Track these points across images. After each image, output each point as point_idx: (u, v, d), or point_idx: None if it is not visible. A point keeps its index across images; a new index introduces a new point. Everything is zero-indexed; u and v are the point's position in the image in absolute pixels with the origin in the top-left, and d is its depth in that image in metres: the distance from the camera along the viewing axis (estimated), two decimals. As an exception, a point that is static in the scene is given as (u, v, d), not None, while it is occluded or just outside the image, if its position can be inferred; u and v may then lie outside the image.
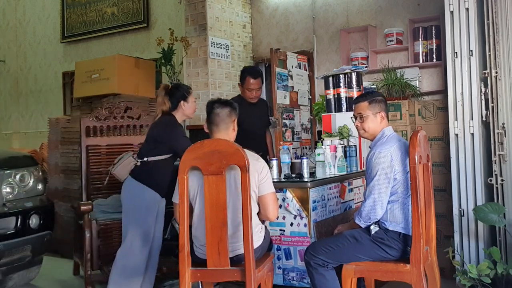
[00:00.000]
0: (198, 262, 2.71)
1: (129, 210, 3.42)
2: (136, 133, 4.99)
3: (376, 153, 2.83)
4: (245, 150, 2.59)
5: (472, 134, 3.71)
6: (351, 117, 3.13)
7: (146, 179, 3.39)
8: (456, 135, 3.78)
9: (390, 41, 5.21)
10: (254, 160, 2.73)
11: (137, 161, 3.45)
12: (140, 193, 3.38)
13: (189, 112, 3.58)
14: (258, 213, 2.87)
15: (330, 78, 4.25)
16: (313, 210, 3.35)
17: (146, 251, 3.40)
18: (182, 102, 3.51)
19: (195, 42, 5.64)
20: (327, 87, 4.27)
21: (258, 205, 2.81)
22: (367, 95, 3.04)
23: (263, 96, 6.23)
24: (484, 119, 3.69)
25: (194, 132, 5.64)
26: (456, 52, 3.77)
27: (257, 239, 2.77)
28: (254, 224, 2.70)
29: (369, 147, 3.02)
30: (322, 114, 4.35)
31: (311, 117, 5.59)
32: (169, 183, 3.43)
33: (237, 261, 2.66)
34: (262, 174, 2.75)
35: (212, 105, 2.85)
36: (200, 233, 2.71)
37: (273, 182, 2.89)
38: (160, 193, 3.45)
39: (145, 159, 3.43)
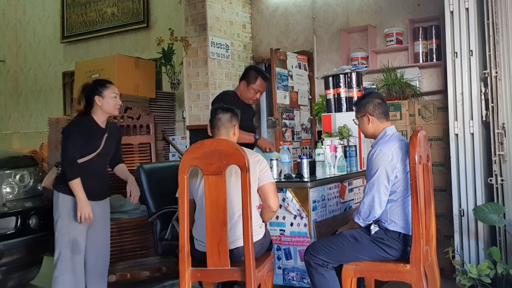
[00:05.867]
0: (198, 259, 2.72)
1: (55, 222, 3.22)
2: (136, 133, 5.00)
3: (377, 151, 2.84)
4: (243, 148, 2.62)
5: (472, 134, 3.71)
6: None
7: (64, 186, 3.15)
8: (456, 135, 3.78)
9: (390, 41, 5.20)
10: (252, 155, 2.83)
11: (58, 170, 3.27)
12: (60, 202, 3.19)
13: (108, 108, 3.26)
14: (260, 209, 2.96)
15: (330, 78, 4.25)
16: (313, 210, 3.35)
17: (78, 259, 3.20)
18: (96, 97, 3.23)
19: (195, 42, 5.64)
20: (327, 87, 4.27)
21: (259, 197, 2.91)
22: (358, 100, 3.15)
23: (263, 96, 6.25)
24: (484, 119, 3.69)
25: (194, 132, 5.64)
26: (456, 52, 3.77)
27: (257, 233, 2.81)
28: (254, 218, 2.73)
29: (371, 146, 3.03)
30: (322, 114, 4.36)
31: (311, 117, 5.59)
32: (99, 184, 3.30)
33: (236, 254, 2.68)
34: (261, 166, 2.87)
35: (215, 111, 3.00)
36: (200, 224, 2.76)
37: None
38: (87, 197, 3.18)
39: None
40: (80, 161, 3.16)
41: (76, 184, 3.11)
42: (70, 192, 3.15)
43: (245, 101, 4.12)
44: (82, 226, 3.19)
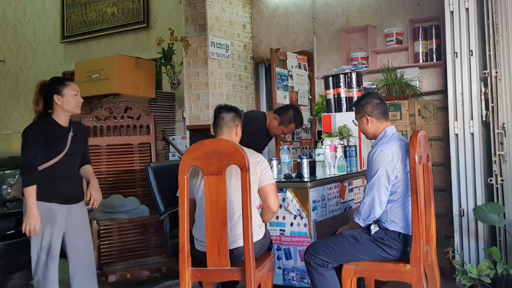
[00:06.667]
0: (198, 259, 2.72)
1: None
2: (136, 133, 5.00)
3: (377, 151, 2.84)
4: (244, 148, 2.62)
5: (472, 134, 3.71)
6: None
7: None
8: (456, 135, 3.78)
9: (390, 41, 5.20)
10: (253, 155, 2.83)
11: None
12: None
13: (69, 107, 3.07)
14: (260, 210, 2.96)
15: (330, 78, 4.25)
16: (313, 210, 3.35)
17: (53, 266, 3.08)
18: (55, 96, 3.04)
19: (195, 42, 5.64)
20: (327, 87, 4.27)
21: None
22: (357, 101, 3.16)
23: (263, 96, 6.27)
24: (484, 119, 3.69)
25: (194, 132, 5.65)
26: (456, 52, 3.77)
27: (257, 233, 2.81)
28: (254, 218, 2.74)
29: (371, 146, 3.03)
30: (322, 114, 4.35)
31: (311, 117, 5.59)
32: (70, 186, 3.14)
33: (236, 254, 2.68)
34: (262, 167, 2.86)
35: (219, 110, 3.00)
36: (200, 224, 2.76)
37: (273, 182, 2.96)
38: (57, 202, 3.05)
39: None
40: (47, 164, 3.01)
41: (30, 192, 2.91)
42: (39, 198, 2.97)
43: (270, 131, 4.33)
44: (57, 231, 3.06)
